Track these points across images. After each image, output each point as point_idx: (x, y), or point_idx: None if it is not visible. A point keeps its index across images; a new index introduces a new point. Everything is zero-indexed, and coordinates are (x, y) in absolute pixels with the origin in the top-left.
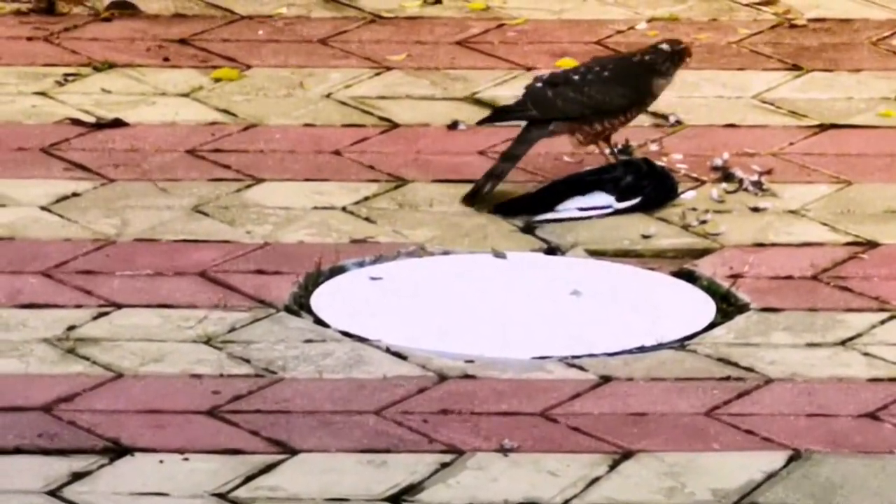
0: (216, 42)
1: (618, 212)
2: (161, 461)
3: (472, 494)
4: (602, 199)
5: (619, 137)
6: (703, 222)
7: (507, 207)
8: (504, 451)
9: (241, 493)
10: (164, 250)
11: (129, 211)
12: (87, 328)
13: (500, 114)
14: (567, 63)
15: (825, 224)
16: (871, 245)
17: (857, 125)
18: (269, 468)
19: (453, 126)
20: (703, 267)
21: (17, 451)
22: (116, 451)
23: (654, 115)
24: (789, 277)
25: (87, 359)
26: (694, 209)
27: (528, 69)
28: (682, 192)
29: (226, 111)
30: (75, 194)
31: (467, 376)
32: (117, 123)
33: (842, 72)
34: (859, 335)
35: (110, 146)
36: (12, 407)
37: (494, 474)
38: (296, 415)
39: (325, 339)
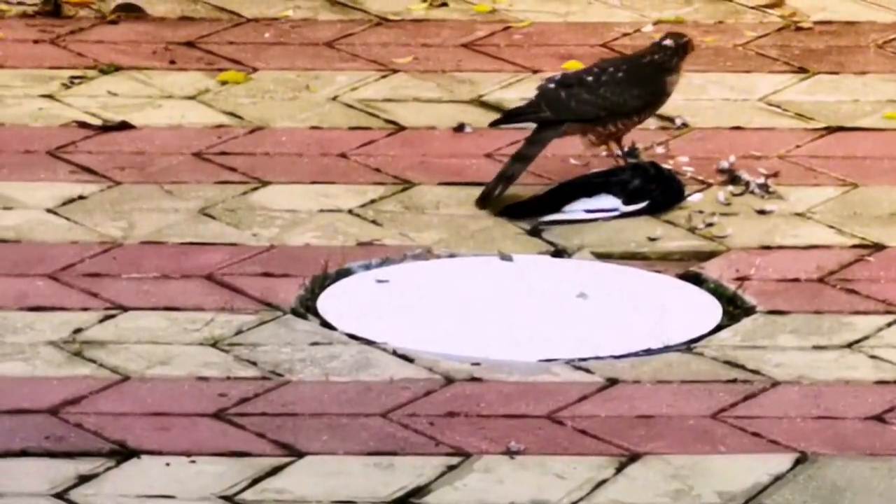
0: (222, 45)
1: (624, 214)
2: (167, 464)
3: (478, 497)
4: (609, 201)
5: (625, 140)
6: (710, 225)
7: (514, 210)
8: (510, 453)
9: (247, 495)
10: (170, 253)
11: (135, 214)
12: (94, 331)
13: (512, 115)
14: (573, 65)
15: (831, 227)
16: (878, 247)
17: (863, 128)
18: (275, 471)
19: (459, 129)
20: (710, 269)
21: (24, 453)
22: (123, 453)
23: (661, 117)
24: (796, 280)
25: (94, 361)
26: (700, 212)
27: (535, 72)
28: (689, 195)
29: (232, 114)
30: (82, 197)
31: (474, 379)
32: (123, 126)
33: (848, 74)
34: (866, 338)
35: (117, 149)
36: (19, 409)
37: (501, 477)
38: (302, 417)
39: (331, 341)
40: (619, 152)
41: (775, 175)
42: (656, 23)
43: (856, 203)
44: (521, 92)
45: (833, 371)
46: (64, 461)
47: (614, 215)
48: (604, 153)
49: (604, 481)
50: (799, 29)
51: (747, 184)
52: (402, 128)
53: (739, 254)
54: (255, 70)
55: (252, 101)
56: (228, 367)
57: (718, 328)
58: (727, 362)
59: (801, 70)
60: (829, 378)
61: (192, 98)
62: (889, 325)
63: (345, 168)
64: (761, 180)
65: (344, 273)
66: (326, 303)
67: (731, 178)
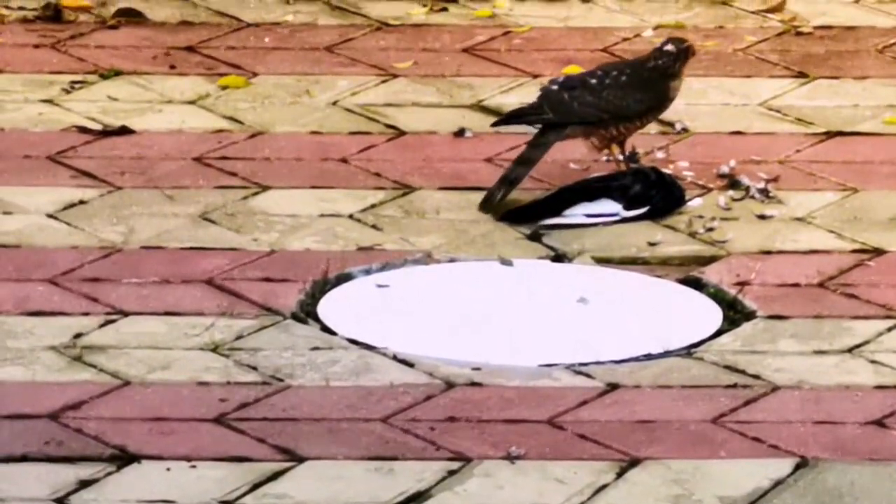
0: (222, 49)
1: (625, 219)
2: (168, 469)
3: (479, 502)
4: (609, 206)
5: (626, 145)
6: (710, 230)
7: (515, 215)
8: (511, 458)
9: (248, 500)
10: (170, 258)
11: (135, 218)
12: (94, 336)
13: (514, 117)
14: (573, 70)
15: (832, 231)
16: (878, 252)
17: (863, 132)
18: (276, 475)
19: (460, 133)
20: (710, 274)
21: (24, 458)
22: (123, 458)
23: (661, 122)
24: (796, 285)
25: (94, 366)
26: (700, 216)
27: (535, 77)
28: (689, 200)
29: (232, 119)
30: (82, 202)
31: (474, 384)
32: (124, 131)
33: (848, 79)
34: (866, 342)
35: (117, 154)
36: (19, 414)
37: (501, 482)
38: (303, 422)
39: (331, 346)
40: (621, 157)
41: (775, 180)
42: (656, 27)
43: (856, 208)
44: (521, 96)
45: (833, 376)
46: (64, 466)
47: (615, 220)
48: (604, 158)
49: (604, 486)
50: (799, 34)
51: (747, 188)
52: (402, 132)
53: (740, 258)
54: (255, 75)
55: (252, 105)
56: (229, 371)
57: (719, 333)
58: (727, 367)
59: (801, 75)
60: (829, 383)
61: (192, 103)
62: (889, 329)
63: (345, 173)
64: (761, 185)
65: (344, 278)
66: (327, 307)
67: (732, 182)
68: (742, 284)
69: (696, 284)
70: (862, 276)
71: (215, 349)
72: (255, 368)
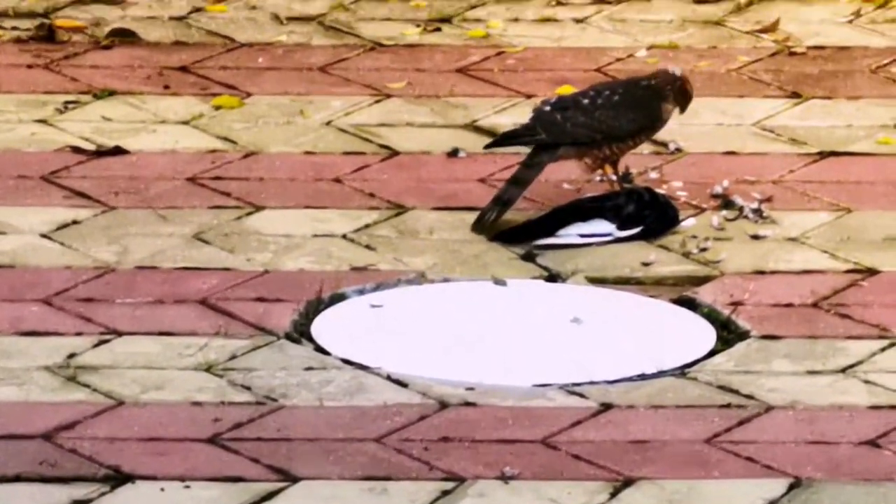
0: (216, 70)
1: (618, 239)
2: (162, 489)
3: None
4: (603, 226)
5: (620, 165)
6: (704, 250)
7: (508, 235)
8: (505, 478)
9: None
10: (164, 278)
11: (129, 238)
12: (88, 356)
13: (507, 138)
14: (567, 90)
15: (825, 251)
16: (872, 272)
17: (856, 152)
18: (270, 496)
19: (453, 154)
20: (704, 294)
21: (18, 478)
22: (117, 478)
23: (654, 142)
24: (790, 305)
25: (88, 386)
26: (694, 236)
27: (528, 97)
28: (683, 220)
29: (226, 139)
30: (76, 222)
31: (468, 404)
32: (118, 151)
33: (841, 99)
34: (860, 363)
35: (111, 174)
36: (13, 435)
37: (495, 502)
38: (297, 442)
39: (325, 366)
40: (615, 177)
41: (769, 200)
42: (650, 48)
43: (849, 228)
44: (514, 117)
45: (827, 396)
46: (58, 486)
47: (608, 240)
48: (598, 178)
49: None
50: (792, 54)
51: (741, 209)
52: (395, 153)
53: (733, 279)
54: (249, 95)
55: (246, 125)
56: (223, 391)
57: (712, 353)
58: (721, 387)
59: (795, 95)
60: (823, 403)
61: (186, 123)
62: (883, 349)
63: (339, 193)
64: (755, 205)
65: (338, 298)
66: (320, 327)
67: (725, 202)
68: (736, 304)
69: (690, 304)
70: (855, 296)
71: (209, 369)
72: (248, 388)
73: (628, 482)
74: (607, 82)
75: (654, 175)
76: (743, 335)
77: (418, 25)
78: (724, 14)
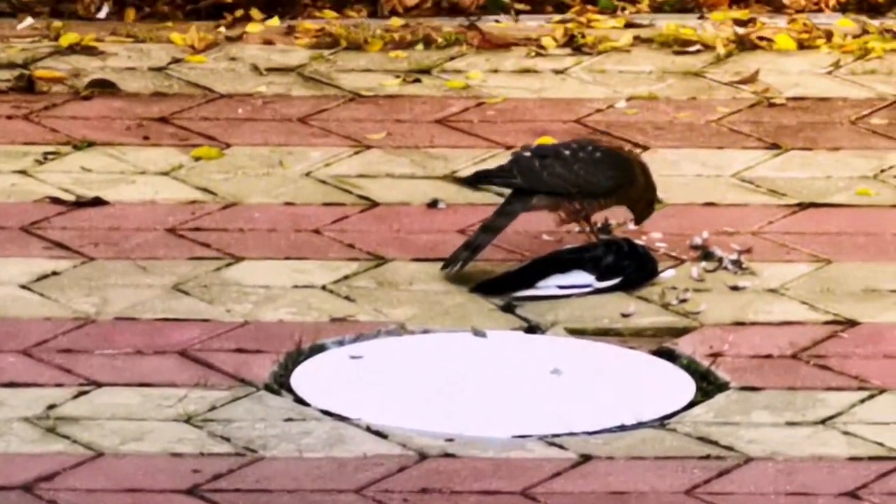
0: (196, 120)
1: (597, 291)
2: None
3: None
4: (582, 277)
5: (598, 216)
6: (683, 301)
7: (488, 286)
8: None
9: None
10: (144, 329)
11: (108, 289)
12: (68, 407)
13: (483, 177)
14: (546, 141)
15: (805, 303)
16: (851, 324)
17: (836, 204)
18: None
19: (433, 205)
20: (683, 345)
21: None
22: None
23: None
24: (769, 356)
25: (68, 437)
26: (674, 288)
27: (508, 148)
28: (662, 271)
29: (206, 189)
30: (55, 273)
31: (448, 455)
32: (97, 202)
33: (821, 150)
34: (839, 414)
35: (90, 225)
36: None
37: None
38: (276, 493)
39: (305, 417)
40: (589, 229)
41: (748, 251)
42: (629, 99)
43: (829, 279)
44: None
45: (806, 447)
46: None
47: (587, 291)
48: (576, 229)
49: None
50: (772, 105)
51: (720, 260)
52: (375, 204)
53: (713, 330)
54: (228, 146)
55: (225, 176)
56: (202, 443)
57: (692, 404)
58: (701, 438)
59: (774, 146)
60: (802, 454)
61: (165, 174)
62: (862, 401)
63: (318, 244)
64: (734, 256)
65: (317, 349)
66: (300, 379)
67: (705, 254)
68: (715, 356)
69: (670, 356)
70: (835, 347)
71: (188, 420)
72: (228, 439)
73: None
74: (591, 138)
75: (633, 226)
76: (722, 386)
77: (398, 76)
78: (703, 65)
